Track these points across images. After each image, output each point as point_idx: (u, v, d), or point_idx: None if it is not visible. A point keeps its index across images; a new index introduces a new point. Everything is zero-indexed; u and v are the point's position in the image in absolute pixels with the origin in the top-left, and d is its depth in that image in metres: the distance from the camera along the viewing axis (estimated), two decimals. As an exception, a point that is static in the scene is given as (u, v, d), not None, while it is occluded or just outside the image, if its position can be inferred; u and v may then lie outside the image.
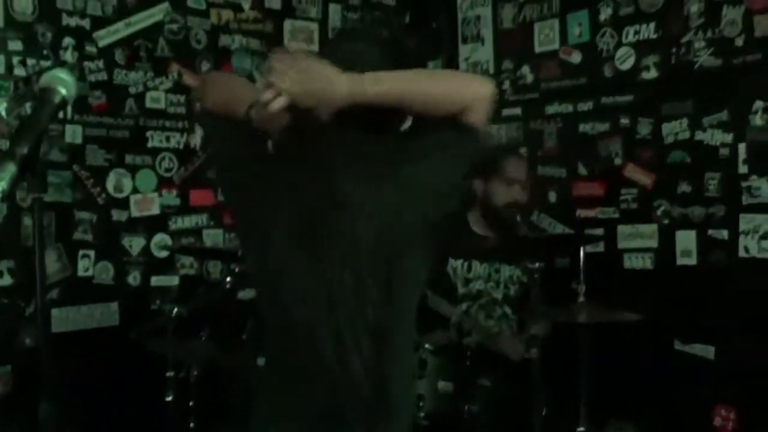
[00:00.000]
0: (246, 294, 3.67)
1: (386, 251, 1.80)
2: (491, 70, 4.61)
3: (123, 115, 3.77)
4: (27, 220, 3.40)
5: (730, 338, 3.67)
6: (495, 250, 3.61)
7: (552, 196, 4.34)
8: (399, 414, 1.88)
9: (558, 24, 4.31)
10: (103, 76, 3.69)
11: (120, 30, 3.75)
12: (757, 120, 3.64)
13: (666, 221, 3.92)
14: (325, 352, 1.79)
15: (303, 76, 1.73)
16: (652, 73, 3.97)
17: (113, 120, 3.74)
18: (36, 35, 3.51)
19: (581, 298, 3.16)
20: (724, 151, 3.73)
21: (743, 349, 3.61)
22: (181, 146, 3.95)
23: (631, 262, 4.03)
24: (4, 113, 2.47)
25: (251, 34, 4.17)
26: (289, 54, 1.83)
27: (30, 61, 3.48)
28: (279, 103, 1.74)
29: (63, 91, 1.64)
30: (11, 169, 1.49)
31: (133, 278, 3.87)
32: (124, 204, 3.84)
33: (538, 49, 4.40)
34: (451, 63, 4.77)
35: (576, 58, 4.24)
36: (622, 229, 4.06)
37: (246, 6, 4.16)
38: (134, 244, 3.87)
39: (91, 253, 3.70)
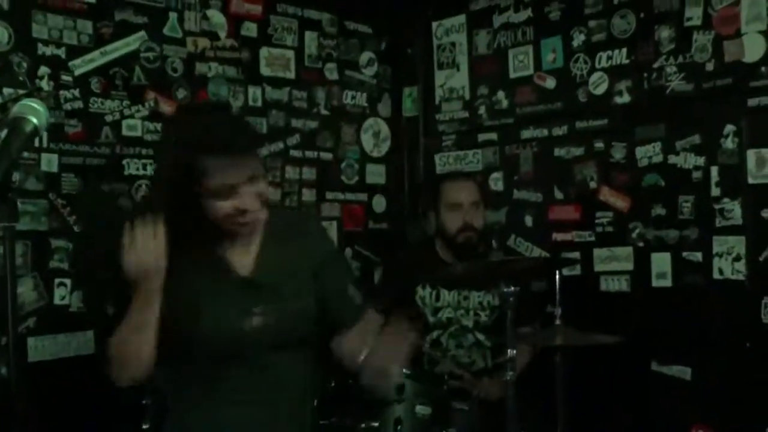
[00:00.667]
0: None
1: None
2: (467, 96, 4.64)
3: (99, 143, 3.77)
4: (-1, 250, 3.38)
5: (707, 359, 3.70)
6: (469, 277, 3.62)
7: (528, 221, 4.37)
8: None
9: (532, 50, 4.36)
10: (79, 104, 3.69)
11: (96, 59, 3.75)
12: (728, 143, 3.68)
13: (641, 244, 3.96)
14: None
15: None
16: (625, 98, 4.02)
17: (89, 148, 3.74)
18: (11, 64, 3.50)
19: (558, 321, 3.18)
20: (697, 174, 3.77)
21: (719, 369, 3.64)
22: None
23: (608, 284, 4.06)
24: None
25: (228, 62, 4.19)
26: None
27: (6, 90, 3.48)
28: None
29: (34, 120, 1.64)
30: None
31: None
32: (100, 232, 3.82)
33: (512, 75, 4.44)
34: (428, 89, 4.81)
35: (550, 83, 4.29)
36: (598, 252, 4.10)
37: (222, 34, 4.18)
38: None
39: (68, 281, 3.68)
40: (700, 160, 3.77)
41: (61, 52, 3.65)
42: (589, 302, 3.98)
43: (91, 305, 3.68)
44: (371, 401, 2.95)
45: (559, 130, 4.26)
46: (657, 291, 3.90)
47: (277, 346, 2.31)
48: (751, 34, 3.63)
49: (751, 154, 3.62)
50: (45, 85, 3.59)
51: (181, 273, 2.21)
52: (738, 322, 3.64)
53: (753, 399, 3.53)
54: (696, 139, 3.78)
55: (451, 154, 4.70)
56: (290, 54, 4.44)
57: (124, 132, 3.85)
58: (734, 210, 3.67)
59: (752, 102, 3.62)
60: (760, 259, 3.61)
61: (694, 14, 3.79)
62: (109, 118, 3.81)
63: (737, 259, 3.67)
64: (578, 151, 4.18)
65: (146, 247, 2.10)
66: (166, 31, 3.99)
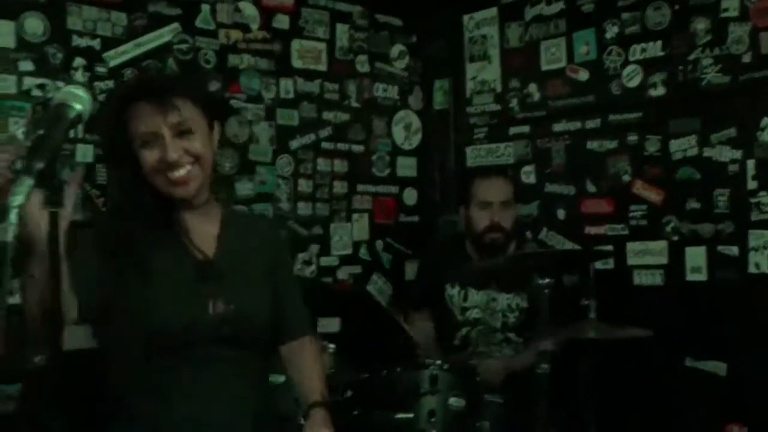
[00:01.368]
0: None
1: None
2: (498, 89, 4.62)
3: (133, 135, 3.79)
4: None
5: (742, 354, 3.66)
6: (502, 268, 3.60)
7: (560, 214, 4.34)
8: None
9: (564, 42, 4.33)
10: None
11: (129, 50, 3.76)
12: (765, 136, 3.64)
13: (675, 238, 3.92)
14: None
15: None
16: (659, 91, 3.98)
17: (123, 139, 3.75)
18: (47, 56, 3.53)
19: (591, 315, 3.16)
20: (733, 168, 3.73)
21: (755, 365, 3.60)
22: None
23: (641, 278, 4.03)
24: (21, 136, 2.47)
25: (260, 54, 4.20)
26: None
27: (41, 82, 3.50)
28: None
29: (78, 106, 1.64)
30: (28, 183, 1.49)
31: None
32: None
33: (545, 68, 4.42)
34: (459, 82, 4.79)
35: (583, 75, 4.26)
36: (631, 245, 4.06)
37: (254, 26, 4.18)
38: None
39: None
40: (737, 154, 3.72)
41: (96, 44, 3.67)
42: (622, 296, 3.94)
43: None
44: (404, 393, 2.95)
45: (592, 123, 4.23)
46: (691, 285, 3.87)
47: (232, 339, 2.14)
48: (788, 25, 3.59)
49: (787, 147, 3.59)
50: (80, 76, 3.61)
51: (139, 251, 2.07)
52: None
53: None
54: (732, 132, 3.74)
55: (482, 147, 4.68)
56: (322, 46, 4.44)
57: (157, 123, 3.87)
58: (771, 204, 3.63)
59: (789, 94, 3.58)
60: (797, 253, 3.57)
61: (730, 5, 3.74)
62: (142, 110, 3.82)
63: (774, 253, 3.63)
64: (611, 145, 4.15)
65: None
66: (198, 23, 4.00)
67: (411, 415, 2.89)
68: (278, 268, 2.36)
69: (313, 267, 4.34)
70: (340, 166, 4.49)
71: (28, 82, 3.49)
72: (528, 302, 3.71)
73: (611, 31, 4.14)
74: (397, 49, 4.79)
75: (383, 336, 3.99)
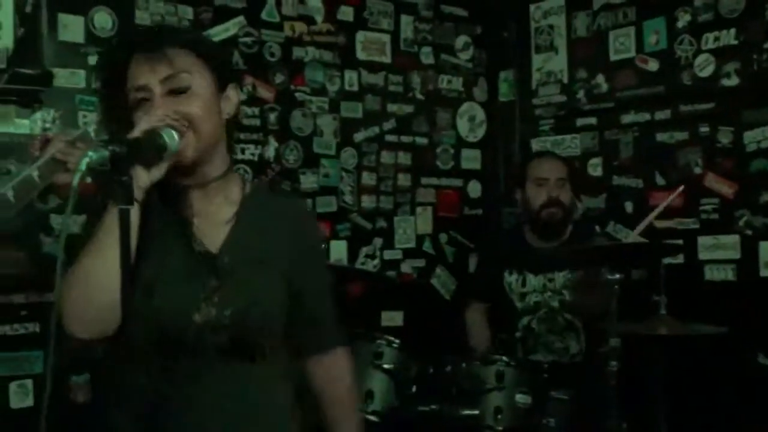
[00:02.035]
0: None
1: None
2: (565, 80, 4.55)
3: (198, 129, 3.82)
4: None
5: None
6: (570, 261, 3.56)
7: (628, 207, 4.26)
8: None
9: (634, 32, 4.24)
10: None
11: (196, 44, 3.79)
12: (844, 127, 3.53)
13: (749, 232, 3.82)
14: None
15: None
16: (732, 80, 3.87)
17: (189, 133, 3.79)
18: (115, 50, 3.57)
19: (662, 311, 3.09)
20: (810, 160, 3.62)
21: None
22: (256, 158, 3.98)
23: (713, 273, 3.93)
24: (93, 134, 2.50)
25: (324, 47, 4.19)
26: None
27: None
28: None
29: (167, 138, 1.65)
30: (104, 153, 1.53)
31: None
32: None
33: (613, 58, 4.33)
34: (524, 73, 4.73)
35: (653, 65, 4.16)
36: (702, 240, 3.97)
37: (319, 18, 4.18)
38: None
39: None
40: (813, 145, 3.62)
41: (163, 38, 3.70)
42: (692, 292, 3.86)
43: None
44: (470, 388, 2.93)
45: (662, 114, 4.13)
46: (765, 281, 3.76)
47: (230, 350, 1.76)
48: None
49: None
50: (147, 70, 3.64)
51: (147, 234, 1.72)
52: None
53: None
54: (807, 123, 3.63)
55: (548, 138, 4.62)
56: (386, 38, 4.42)
57: (223, 117, 3.89)
58: None
59: None
60: None
61: (807, -8, 3.63)
62: (208, 103, 3.85)
63: None
64: (682, 136, 4.05)
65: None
66: (264, 15, 4.01)
67: (477, 412, 2.88)
68: (304, 263, 1.91)
69: (376, 260, 4.33)
70: (403, 158, 4.47)
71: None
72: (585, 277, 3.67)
73: (683, 20, 4.04)
74: (462, 40, 4.74)
75: (448, 330, 3.97)
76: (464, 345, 3.81)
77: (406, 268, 4.44)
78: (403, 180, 4.46)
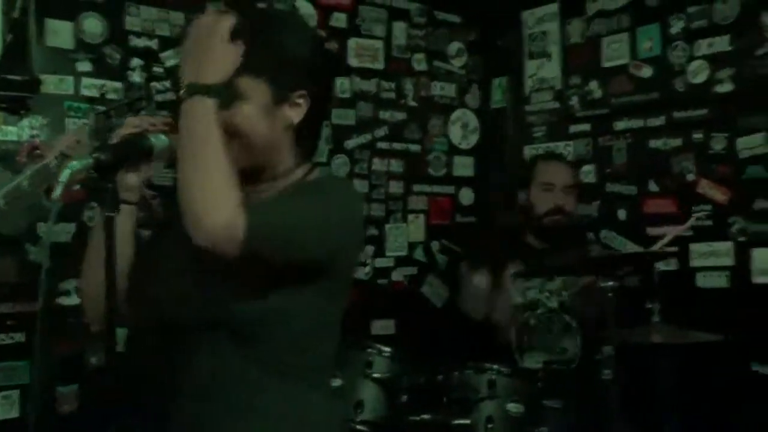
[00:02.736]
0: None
1: None
2: (558, 86, 4.53)
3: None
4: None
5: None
6: (565, 269, 3.53)
7: (621, 214, 4.24)
8: None
9: (628, 38, 4.22)
10: (170, 95, 3.71)
11: (187, 50, 3.76)
12: (838, 133, 3.52)
13: (742, 239, 3.80)
14: None
15: None
16: (726, 87, 3.86)
17: (180, 139, 3.76)
18: (104, 56, 3.54)
19: (656, 318, 3.07)
20: (803, 166, 3.61)
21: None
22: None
23: (705, 280, 3.91)
24: (87, 140, 2.49)
25: (317, 53, 4.16)
26: None
27: (98, 82, 3.51)
28: None
29: (153, 140, 1.69)
30: (88, 161, 1.56)
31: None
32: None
33: (606, 64, 4.31)
34: (518, 80, 4.72)
35: (647, 72, 4.15)
36: (695, 247, 3.95)
37: (311, 25, 4.16)
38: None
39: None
40: (807, 151, 3.60)
41: (153, 44, 3.68)
42: (685, 299, 3.84)
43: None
44: (462, 397, 2.90)
45: (656, 121, 4.12)
46: (758, 288, 3.74)
47: (202, 325, 1.72)
48: None
49: None
50: (137, 76, 3.62)
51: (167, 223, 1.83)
52: None
53: None
54: (801, 129, 3.62)
55: (541, 145, 4.60)
56: (379, 44, 4.40)
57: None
58: (843, 204, 3.50)
59: None
60: None
61: (801, -2, 3.62)
62: (199, 110, 3.82)
63: None
64: (675, 143, 4.04)
65: None
66: (255, 22, 3.98)
67: (468, 421, 2.85)
68: None
69: (368, 268, 4.30)
70: (396, 165, 4.44)
71: (86, 82, 3.50)
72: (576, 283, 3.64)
73: (677, 26, 4.03)
74: (455, 46, 4.72)
75: (440, 338, 3.94)
76: (463, 353, 3.77)
77: (397, 276, 4.42)
78: (395, 187, 4.43)
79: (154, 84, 3.67)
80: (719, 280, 3.89)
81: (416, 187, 4.52)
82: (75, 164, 1.54)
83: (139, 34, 3.64)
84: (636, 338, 3.10)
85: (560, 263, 3.52)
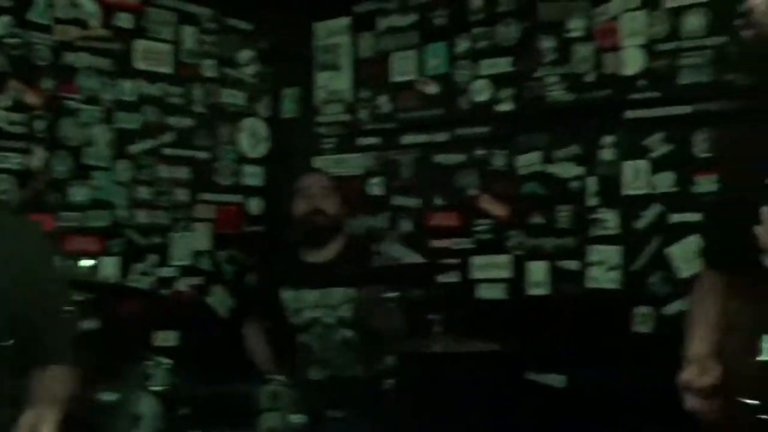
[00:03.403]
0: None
1: None
2: (348, 99, 4.57)
3: (-44, 133, 3.52)
4: None
5: (580, 367, 3.72)
6: (350, 280, 3.55)
7: (406, 226, 4.32)
8: None
9: (416, 54, 4.32)
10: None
11: (-47, 44, 3.51)
12: (606, 154, 3.73)
13: (519, 252, 3.97)
14: None
15: None
16: (507, 106, 4.03)
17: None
18: None
19: (437, 329, 3.14)
20: (575, 184, 3.81)
21: (593, 377, 3.66)
22: (20, 168, 3.71)
23: (485, 292, 4.05)
24: None
25: (99, 53, 3.98)
26: None
27: None
28: None
29: None
30: None
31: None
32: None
33: (395, 79, 4.40)
34: (308, 91, 4.71)
35: (433, 88, 4.26)
36: (476, 259, 4.08)
37: (94, 23, 3.97)
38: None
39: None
40: (579, 170, 3.81)
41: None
42: (466, 310, 3.96)
43: None
44: (244, 410, 2.84)
45: (441, 137, 4.24)
46: (533, 299, 3.92)
47: None
48: (630, 48, 3.70)
49: (627, 166, 3.69)
50: None
51: None
52: (610, 329, 3.68)
53: (624, 407, 3.56)
54: (575, 149, 3.83)
55: (330, 157, 4.61)
56: (167, 48, 4.27)
57: (-16, 122, 3.61)
58: (610, 220, 3.73)
59: (630, 114, 3.69)
60: (633, 268, 3.67)
61: (576, 26, 3.83)
62: (-34, 107, 3.56)
63: (612, 268, 3.72)
64: (459, 158, 4.17)
65: None
66: (33, 17, 3.76)
67: (250, 434, 2.79)
68: (30, 281, 2.07)
69: (151, 278, 4.14)
70: (182, 173, 4.31)
71: None
72: (363, 295, 3.68)
73: (462, 46, 4.16)
74: (246, 54, 4.66)
75: (224, 350, 3.86)
76: (248, 364, 3.71)
77: (182, 285, 4.29)
78: (181, 195, 4.30)
79: None
80: (497, 292, 4.04)
81: (203, 196, 4.41)
82: None
83: None
84: (418, 348, 3.15)
85: (343, 275, 3.53)
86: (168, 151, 4.26)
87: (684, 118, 3.55)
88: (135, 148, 4.12)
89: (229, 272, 4.49)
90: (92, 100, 3.96)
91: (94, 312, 3.67)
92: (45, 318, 2.09)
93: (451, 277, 4.07)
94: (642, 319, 3.65)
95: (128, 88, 4.10)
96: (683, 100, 3.55)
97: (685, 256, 3.53)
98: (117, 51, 4.06)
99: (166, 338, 4.01)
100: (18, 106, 3.70)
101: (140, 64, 4.16)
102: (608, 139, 3.74)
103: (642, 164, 3.66)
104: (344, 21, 4.60)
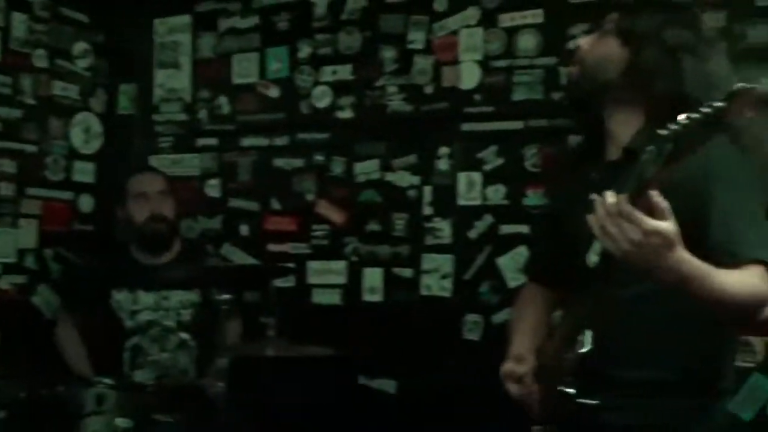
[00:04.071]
0: None
1: None
2: (188, 99, 4.49)
3: None
4: None
5: (411, 373, 3.80)
6: (180, 281, 3.50)
7: (244, 230, 4.29)
8: None
9: (258, 58, 4.30)
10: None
11: None
12: (442, 165, 3.83)
13: (355, 258, 4.01)
14: None
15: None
16: (347, 114, 4.06)
17: None
18: None
19: (271, 332, 3.13)
20: (412, 193, 3.89)
21: (423, 383, 3.74)
22: None
23: (320, 297, 4.07)
24: None
25: None
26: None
27: None
28: None
29: None
30: None
31: None
32: None
33: (236, 81, 4.36)
34: (146, 88, 4.60)
35: (274, 92, 4.25)
36: (312, 264, 4.10)
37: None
38: None
39: None
40: (415, 180, 3.89)
41: None
42: (301, 315, 3.96)
43: None
44: (67, 414, 2.75)
45: (280, 141, 4.23)
46: (368, 305, 3.97)
47: None
48: (467, 62, 3.81)
49: (462, 177, 3.79)
50: None
51: None
52: (441, 337, 3.77)
53: (454, 412, 3.66)
54: (412, 158, 3.90)
55: (167, 156, 4.52)
56: (-7, 35, 4.07)
57: None
58: (444, 229, 3.82)
59: (466, 127, 3.79)
60: (465, 277, 3.78)
61: (416, 38, 3.91)
62: None
63: (444, 276, 3.82)
64: (298, 163, 4.17)
65: None
66: None
67: (73, 438, 2.70)
68: None
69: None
70: (8, 166, 4.10)
71: None
72: (201, 297, 3.63)
73: (304, 51, 4.17)
74: (81, 46, 4.49)
75: (47, 352, 3.72)
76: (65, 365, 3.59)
77: (4, 284, 4.08)
78: (6, 189, 4.09)
79: None
80: (333, 297, 4.06)
81: (30, 191, 4.21)
82: None
83: None
84: (250, 352, 3.13)
85: (177, 277, 3.48)
86: (-7, 144, 4.06)
87: (516, 133, 3.69)
88: (-44, 139, 3.91)
89: (56, 271, 4.31)
90: None
91: None
92: None
93: (288, 282, 4.06)
94: (472, 327, 3.75)
95: (-50, 75, 3.89)
96: (516, 115, 3.69)
97: (513, 266, 3.66)
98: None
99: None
100: None
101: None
102: (444, 150, 3.83)
103: (476, 176, 3.77)
104: (185, 19, 4.52)
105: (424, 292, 3.85)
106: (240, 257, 4.26)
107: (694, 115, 1.48)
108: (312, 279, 4.10)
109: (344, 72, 4.08)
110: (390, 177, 3.95)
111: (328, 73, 4.12)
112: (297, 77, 4.19)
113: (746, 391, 3.06)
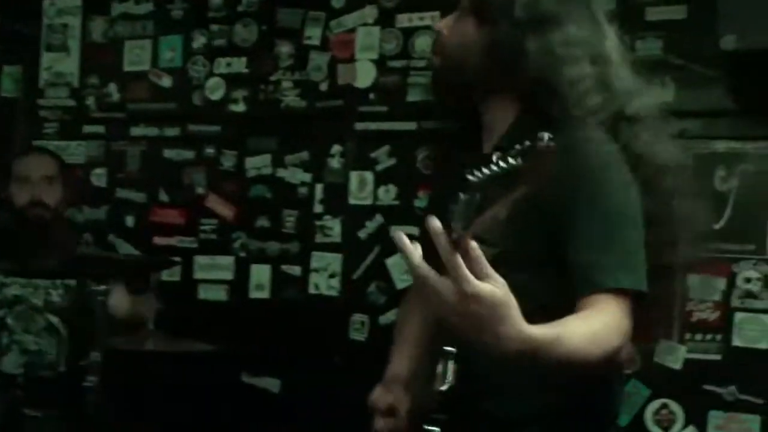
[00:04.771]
0: None
1: None
2: (75, 84, 4.35)
3: None
4: None
5: (296, 372, 3.77)
6: (54, 271, 3.37)
7: (129, 221, 4.18)
8: None
9: (150, 45, 4.20)
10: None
11: None
12: (334, 163, 3.81)
13: (243, 254, 3.96)
14: None
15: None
16: (240, 107, 4.00)
17: None
18: None
19: (150, 326, 3.07)
20: (303, 190, 3.86)
21: (308, 382, 3.71)
22: None
23: (206, 293, 4.00)
24: None
25: None
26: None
27: None
28: None
29: None
30: None
31: None
32: None
33: (127, 68, 4.24)
34: (32, 71, 4.44)
35: (166, 82, 4.15)
36: (199, 259, 4.03)
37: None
38: None
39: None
40: (307, 177, 3.86)
41: None
42: (186, 309, 3.90)
43: None
44: None
45: (171, 132, 4.14)
46: (254, 302, 3.92)
47: None
48: (363, 61, 3.80)
49: (354, 176, 3.78)
50: None
51: None
52: (328, 336, 3.75)
53: (339, 413, 3.64)
54: (305, 155, 3.87)
55: (52, 143, 4.36)
56: None
57: None
58: (334, 228, 3.80)
59: (360, 126, 3.78)
60: (354, 277, 3.77)
61: (313, 34, 3.88)
62: None
63: (333, 275, 3.80)
64: (188, 155, 4.09)
65: None
66: None
67: None
68: None
69: None
70: None
71: None
72: (76, 283, 3.50)
73: (198, 41, 4.09)
74: (-37, 25, 4.32)
75: None
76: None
77: None
78: None
79: None
80: (219, 293, 4.00)
81: None
82: None
83: None
84: (128, 345, 3.05)
85: (48, 264, 3.34)
86: None
87: (409, 133, 3.69)
88: None
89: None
90: None
91: None
92: None
93: (173, 276, 3.98)
94: (358, 327, 3.74)
95: None
96: (409, 116, 3.69)
97: (401, 267, 3.66)
98: None
99: None
100: None
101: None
102: (337, 149, 3.81)
103: (368, 175, 3.76)
104: (76, 1, 4.37)
105: (312, 290, 3.83)
106: (125, 249, 4.15)
107: (489, 170, 1.27)
108: (198, 274, 4.02)
109: (239, 65, 4.02)
110: (281, 173, 3.91)
111: (222, 65, 4.05)
112: (190, 68, 4.11)
113: (622, 395, 3.14)
